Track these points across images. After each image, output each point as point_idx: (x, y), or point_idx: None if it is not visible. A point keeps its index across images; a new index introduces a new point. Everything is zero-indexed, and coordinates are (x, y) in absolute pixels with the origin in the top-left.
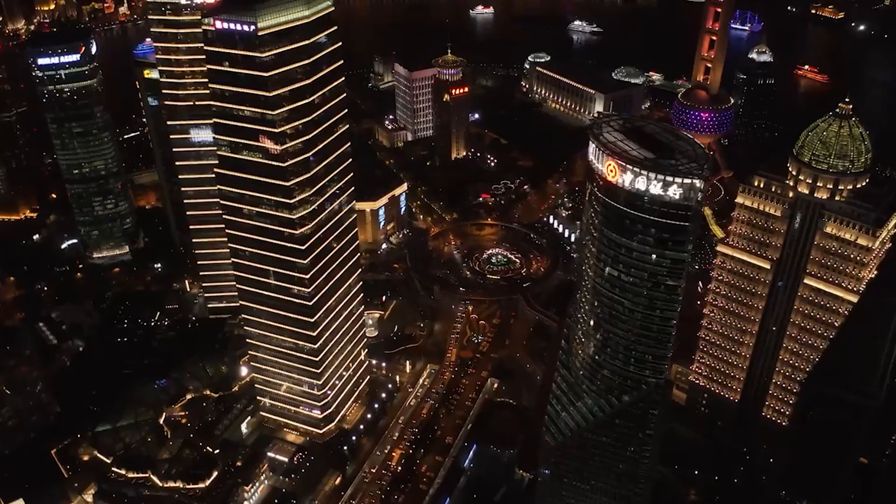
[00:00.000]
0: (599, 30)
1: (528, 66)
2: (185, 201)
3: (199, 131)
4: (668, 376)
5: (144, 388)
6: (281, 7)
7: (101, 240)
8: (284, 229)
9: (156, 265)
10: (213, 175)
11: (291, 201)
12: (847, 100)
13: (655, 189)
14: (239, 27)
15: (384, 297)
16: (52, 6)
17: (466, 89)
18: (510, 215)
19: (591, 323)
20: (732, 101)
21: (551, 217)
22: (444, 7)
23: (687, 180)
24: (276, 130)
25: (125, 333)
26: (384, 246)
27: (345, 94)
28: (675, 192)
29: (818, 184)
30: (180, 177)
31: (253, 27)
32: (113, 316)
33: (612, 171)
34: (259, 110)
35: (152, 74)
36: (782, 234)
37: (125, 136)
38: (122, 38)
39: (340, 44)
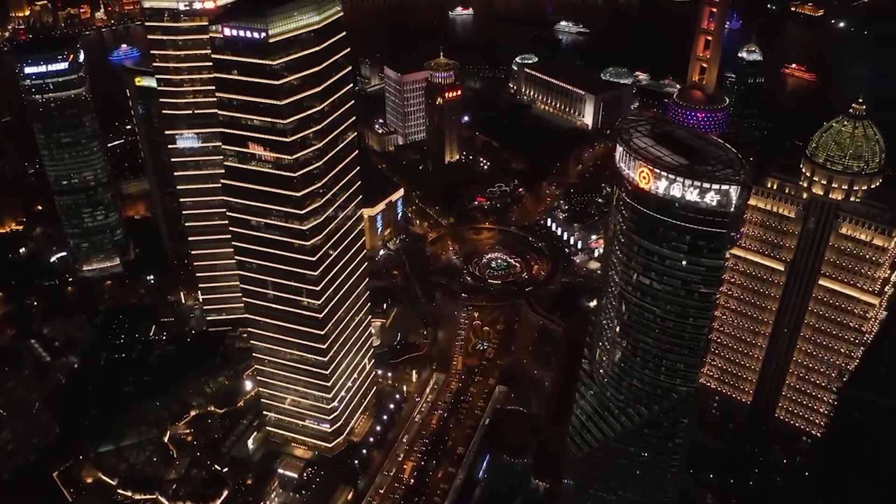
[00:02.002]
0: (585, 30)
1: (515, 68)
2: (184, 212)
3: (199, 140)
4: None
5: (146, 406)
6: (292, 13)
7: (90, 252)
8: (294, 241)
9: (148, 277)
10: (213, 185)
11: (302, 212)
12: (861, 100)
13: (692, 196)
14: (249, 34)
15: (385, 305)
16: (28, 12)
17: (459, 92)
18: (507, 218)
19: (619, 331)
20: (728, 101)
21: (549, 220)
22: (423, 8)
23: (725, 186)
24: (286, 140)
25: (122, 349)
26: (382, 252)
27: (353, 101)
28: (711, 199)
29: (833, 185)
30: (179, 187)
31: (264, 34)
32: (107, 330)
33: (644, 177)
34: (269, 119)
35: (143, 82)
36: (796, 236)
37: (109, 145)
38: (99, 44)
39: (349, 49)
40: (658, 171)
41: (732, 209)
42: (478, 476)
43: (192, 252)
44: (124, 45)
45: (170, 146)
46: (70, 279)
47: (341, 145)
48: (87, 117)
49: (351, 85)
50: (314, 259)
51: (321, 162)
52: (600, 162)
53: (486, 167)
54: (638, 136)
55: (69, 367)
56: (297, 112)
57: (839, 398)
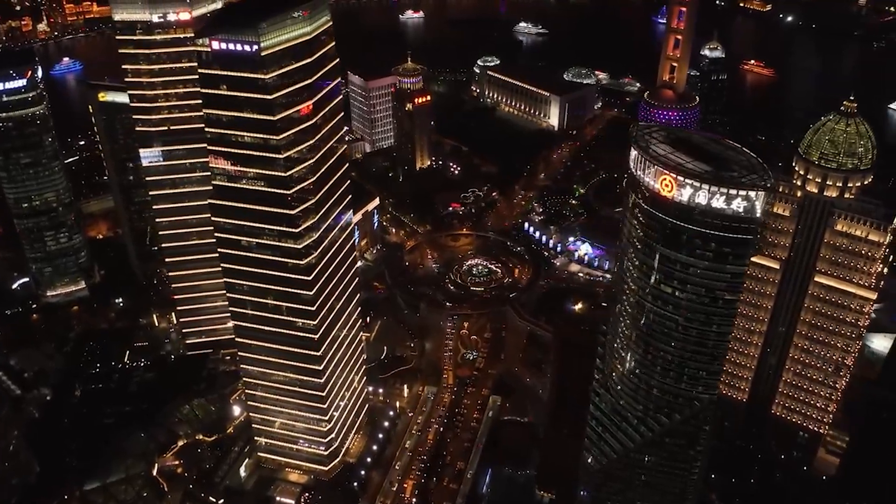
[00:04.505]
0: (545, 31)
1: (477, 70)
2: (161, 232)
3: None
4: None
5: (130, 438)
6: (283, 24)
7: (54, 276)
8: (289, 260)
9: (117, 300)
10: (190, 203)
11: (297, 230)
12: (852, 97)
13: (718, 203)
14: (240, 48)
15: (368, 318)
16: None
17: (429, 97)
18: (483, 223)
19: (636, 340)
20: (698, 100)
21: (526, 223)
22: (374, 13)
23: (752, 192)
24: (280, 156)
25: (98, 378)
26: (359, 263)
27: (343, 113)
28: (738, 205)
29: (828, 182)
30: (154, 207)
31: (256, 47)
32: (78, 359)
33: (667, 185)
34: (262, 135)
35: (108, 97)
36: (790, 234)
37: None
38: (43, 57)
39: (338, 60)
40: (683, 178)
41: (758, 214)
42: (481, 491)
43: (170, 273)
44: (66, 59)
45: (145, 164)
46: (34, 306)
47: (333, 158)
48: (46, 136)
49: (341, 96)
50: (309, 278)
51: (315, 177)
52: (570, 163)
53: (456, 172)
54: (655, 142)
55: (41, 399)
56: (290, 127)
57: (865, 398)
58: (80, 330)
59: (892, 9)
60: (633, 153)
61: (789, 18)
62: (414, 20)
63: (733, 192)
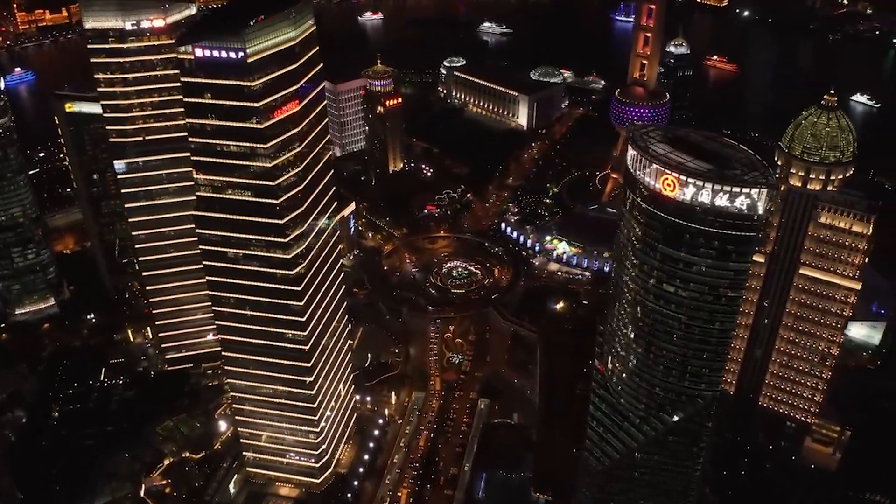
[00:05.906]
0: (509, 31)
1: (444, 71)
2: (137, 245)
3: (153, 167)
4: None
5: (114, 459)
6: (269, 30)
7: (23, 294)
8: (278, 271)
9: (89, 316)
10: (167, 214)
11: (286, 240)
12: (832, 92)
13: (721, 201)
14: (225, 55)
15: (350, 325)
16: None
17: (400, 100)
18: (459, 225)
19: (638, 340)
20: (668, 96)
21: (502, 224)
22: (334, 15)
23: (755, 190)
24: (268, 165)
25: (76, 398)
26: None
27: (327, 119)
28: (741, 203)
29: (811, 176)
30: (130, 219)
31: (241, 54)
32: (53, 379)
33: (669, 185)
34: (248, 144)
35: (74, 108)
36: (775, 228)
37: None
38: None
39: (322, 65)
40: (685, 178)
41: (760, 212)
42: (477, 495)
43: (147, 287)
44: (18, 69)
45: (120, 175)
46: (2, 325)
47: (319, 165)
48: (11, 149)
49: (325, 102)
50: (300, 288)
51: (303, 185)
52: (541, 162)
53: (429, 174)
54: (653, 142)
55: (17, 422)
56: (277, 134)
57: (854, 387)
58: (52, 349)
59: (845, 1)
60: (632, 153)
61: (746, 13)
62: (373, 21)
63: (737, 189)
